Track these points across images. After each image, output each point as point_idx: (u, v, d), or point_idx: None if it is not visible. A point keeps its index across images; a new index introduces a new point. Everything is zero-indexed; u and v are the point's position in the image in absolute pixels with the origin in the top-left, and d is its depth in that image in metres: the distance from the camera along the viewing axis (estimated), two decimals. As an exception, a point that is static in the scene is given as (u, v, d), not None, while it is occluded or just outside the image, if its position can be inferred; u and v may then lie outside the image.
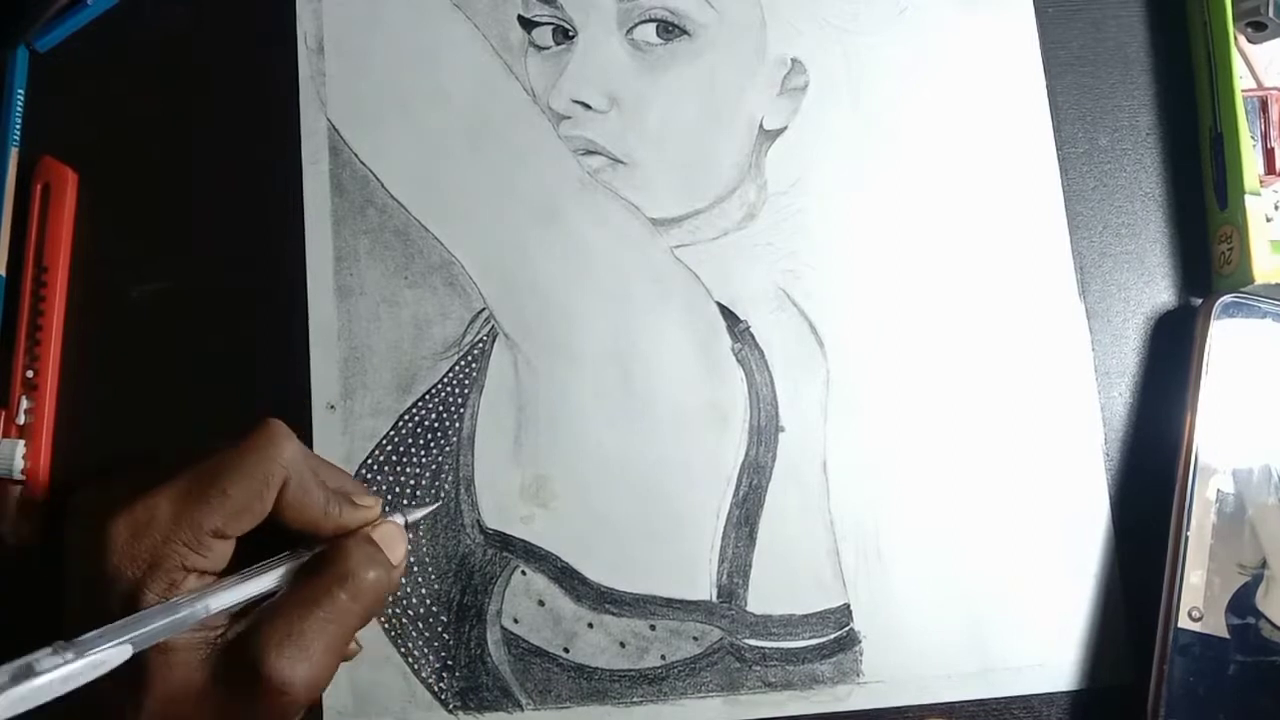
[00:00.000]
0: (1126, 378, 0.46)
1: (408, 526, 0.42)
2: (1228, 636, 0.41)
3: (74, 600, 0.37)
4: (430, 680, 0.43)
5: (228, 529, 0.36)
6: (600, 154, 0.47)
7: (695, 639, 0.43)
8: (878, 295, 0.46)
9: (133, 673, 0.34)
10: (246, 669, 0.34)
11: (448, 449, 0.45)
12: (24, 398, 0.45)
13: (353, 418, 0.45)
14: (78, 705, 0.31)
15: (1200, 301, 0.45)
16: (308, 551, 0.38)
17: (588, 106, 0.47)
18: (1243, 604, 0.41)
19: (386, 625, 0.43)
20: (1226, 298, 0.43)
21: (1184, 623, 0.41)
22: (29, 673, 0.30)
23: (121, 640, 0.32)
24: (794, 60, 0.48)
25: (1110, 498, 0.45)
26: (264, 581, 0.37)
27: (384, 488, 0.45)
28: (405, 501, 0.44)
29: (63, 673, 0.31)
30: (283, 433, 0.37)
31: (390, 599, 0.43)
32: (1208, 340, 0.43)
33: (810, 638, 0.44)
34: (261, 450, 0.36)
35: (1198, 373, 0.43)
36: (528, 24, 0.48)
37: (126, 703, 0.34)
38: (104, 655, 0.32)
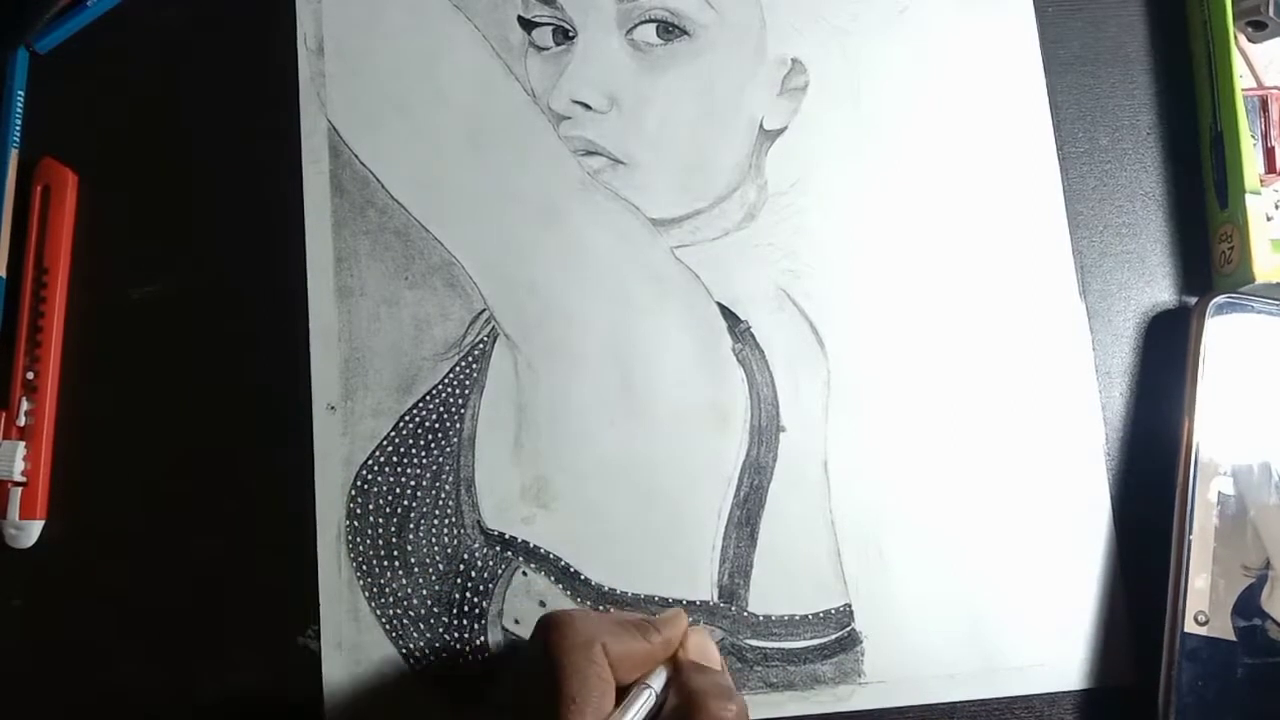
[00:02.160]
0: (1127, 377, 0.46)
1: None
2: (1235, 639, 0.41)
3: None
4: (431, 681, 0.43)
5: None
6: (600, 154, 0.47)
7: (696, 639, 0.43)
8: (878, 295, 0.46)
9: None
10: None
11: (448, 450, 0.45)
12: (24, 399, 0.45)
13: (353, 418, 0.45)
14: None
15: (1195, 301, 0.45)
16: (649, 687, 0.37)
17: (588, 107, 0.47)
18: (1248, 605, 0.41)
19: (387, 626, 0.43)
20: (1220, 298, 0.43)
21: (1190, 627, 0.41)
22: None
23: None
24: (794, 60, 0.48)
25: (1111, 496, 0.44)
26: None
27: (384, 488, 0.44)
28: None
29: None
30: (564, 614, 0.37)
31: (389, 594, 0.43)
32: (1203, 341, 0.43)
33: (811, 638, 0.43)
34: (565, 640, 0.35)
35: (1194, 374, 0.43)
36: (528, 24, 0.48)
37: None
38: None
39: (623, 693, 0.36)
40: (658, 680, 0.37)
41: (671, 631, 0.39)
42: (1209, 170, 0.46)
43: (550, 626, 0.36)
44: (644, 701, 0.37)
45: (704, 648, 0.40)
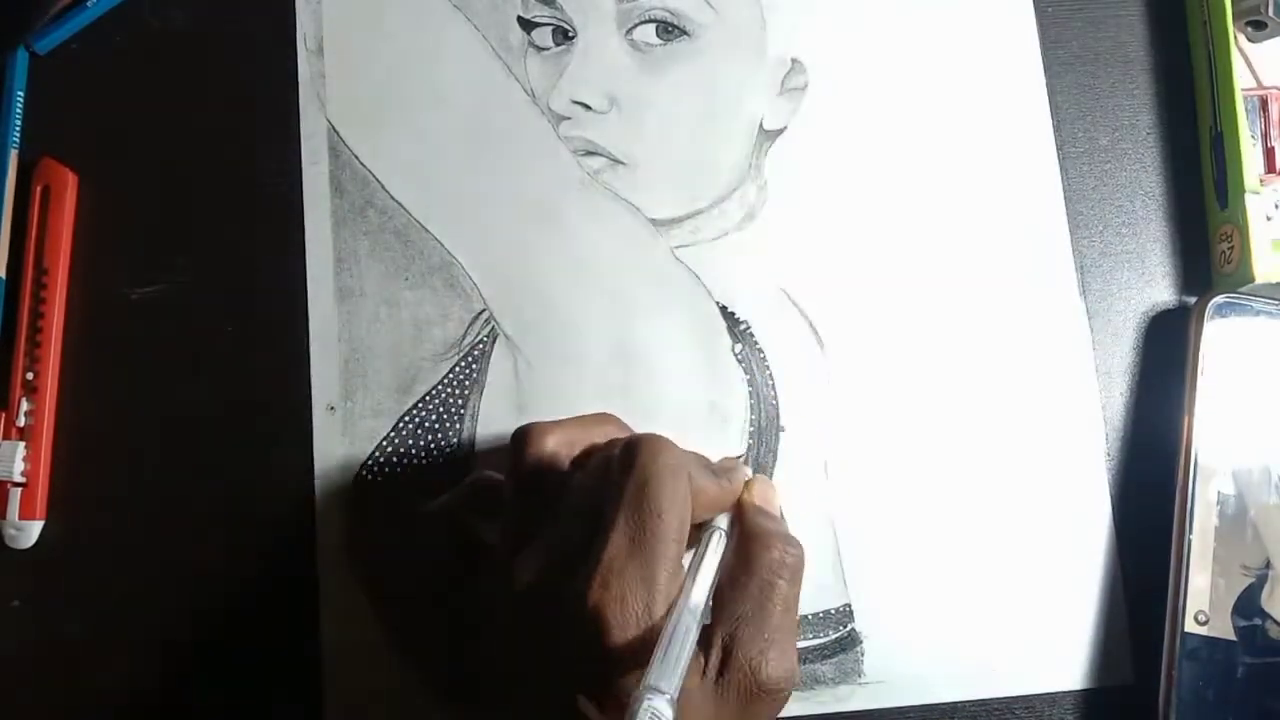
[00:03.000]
0: (1127, 377, 0.46)
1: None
2: (1235, 639, 0.41)
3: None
4: (431, 681, 0.43)
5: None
6: (600, 155, 0.47)
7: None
8: (878, 295, 0.46)
9: None
10: (746, 689, 0.34)
11: (448, 450, 0.45)
12: (24, 400, 0.45)
13: (353, 419, 0.45)
14: None
15: (1195, 301, 0.45)
16: (719, 529, 0.37)
17: (588, 107, 0.47)
18: (1249, 605, 0.41)
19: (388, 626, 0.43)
20: (1219, 298, 0.43)
21: (1191, 627, 0.41)
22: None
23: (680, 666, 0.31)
24: (794, 60, 0.48)
25: (1111, 496, 0.44)
26: (707, 575, 0.35)
27: (384, 489, 0.44)
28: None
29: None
30: (656, 436, 0.36)
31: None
32: (1202, 341, 0.43)
33: (811, 638, 0.43)
34: (659, 454, 0.35)
35: (1193, 375, 0.43)
36: (527, 25, 0.48)
37: None
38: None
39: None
40: (724, 522, 0.37)
41: (737, 479, 0.39)
42: (1209, 170, 0.46)
43: (641, 443, 0.35)
44: (717, 542, 0.36)
45: (767, 495, 0.40)
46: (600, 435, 0.39)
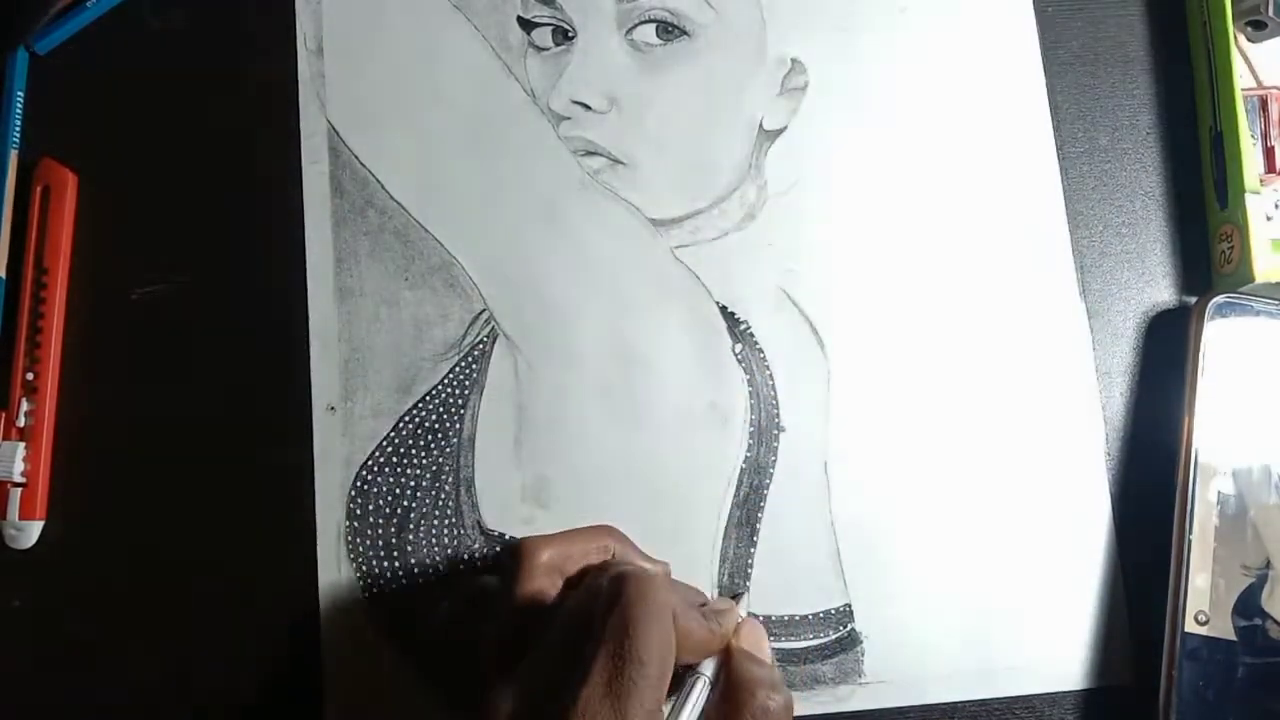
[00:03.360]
0: (1127, 377, 0.46)
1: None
2: (1235, 639, 0.41)
3: None
4: (432, 682, 0.43)
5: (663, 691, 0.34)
6: (600, 155, 0.47)
7: (696, 640, 0.43)
8: (878, 295, 0.46)
9: None
10: None
11: (448, 450, 0.45)
12: (24, 400, 0.45)
13: (353, 419, 0.45)
14: None
15: (1195, 301, 0.45)
16: (704, 676, 0.37)
17: (588, 107, 0.47)
18: (1249, 605, 0.41)
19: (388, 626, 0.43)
20: (1219, 298, 0.43)
21: (1191, 627, 0.41)
22: None
23: None
24: (794, 60, 0.48)
25: (1111, 496, 0.44)
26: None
27: (384, 489, 0.44)
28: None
29: None
30: (644, 571, 0.36)
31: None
32: (1203, 341, 0.43)
33: (811, 638, 0.43)
34: (643, 597, 0.34)
35: (1194, 374, 0.43)
36: (527, 25, 0.48)
37: None
38: None
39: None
40: (709, 668, 0.37)
41: (727, 624, 0.38)
42: (1209, 170, 0.46)
43: (628, 581, 0.34)
44: (700, 691, 0.36)
45: (757, 639, 0.40)
46: (596, 551, 0.39)
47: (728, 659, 0.38)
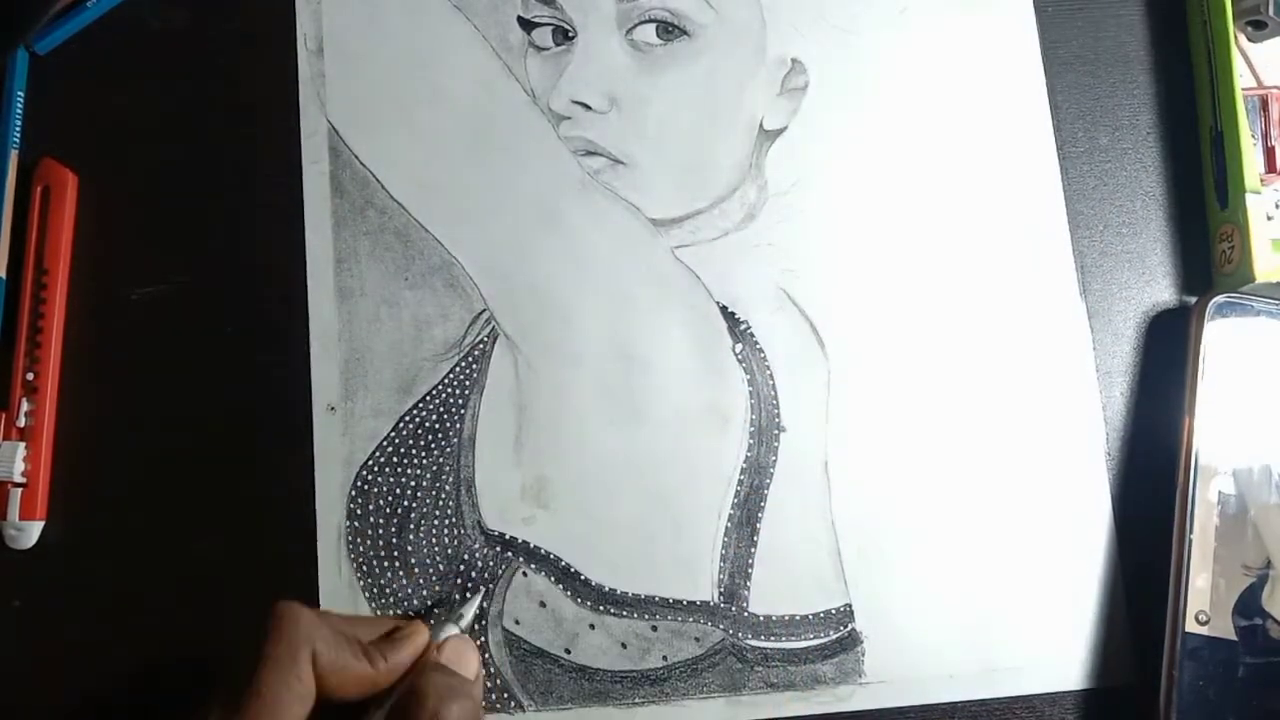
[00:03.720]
0: (1127, 377, 0.46)
1: (469, 630, 0.42)
2: (1235, 638, 0.41)
3: None
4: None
5: None
6: (600, 155, 0.47)
7: (697, 640, 0.43)
8: (878, 295, 0.46)
9: None
10: None
11: (448, 450, 0.45)
12: (24, 400, 0.45)
13: (353, 419, 0.45)
14: None
15: (1195, 301, 0.45)
16: (380, 707, 0.37)
17: (588, 107, 0.47)
18: (1249, 605, 0.41)
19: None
20: (1219, 298, 0.43)
21: (1191, 626, 0.41)
22: None
23: None
24: (794, 60, 0.48)
25: (1112, 496, 0.44)
26: None
27: (384, 489, 0.44)
28: (444, 604, 0.43)
29: None
30: (292, 609, 0.36)
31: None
32: (1202, 341, 0.43)
33: (812, 638, 0.43)
34: (277, 634, 0.35)
35: (1194, 375, 0.43)
36: (527, 25, 0.48)
37: None
38: None
39: (353, 709, 0.36)
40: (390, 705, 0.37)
41: (401, 656, 0.38)
42: (1209, 170, 0.46)
43: (272, 616, 0.35)
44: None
45: (461, 655, 0.39)
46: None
47: (415, 675, 0.37)
